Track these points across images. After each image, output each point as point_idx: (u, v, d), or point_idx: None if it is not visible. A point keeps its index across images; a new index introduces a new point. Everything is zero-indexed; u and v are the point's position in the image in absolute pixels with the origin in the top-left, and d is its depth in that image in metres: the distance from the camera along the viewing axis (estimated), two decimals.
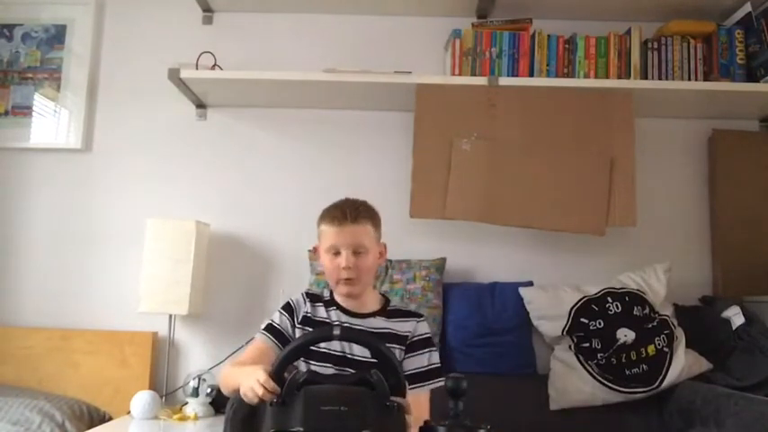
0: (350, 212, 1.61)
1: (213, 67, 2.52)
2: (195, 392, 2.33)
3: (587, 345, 2.27)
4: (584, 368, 2.25)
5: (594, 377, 2.23)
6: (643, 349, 2.22)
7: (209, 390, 2.35)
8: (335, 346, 1.60)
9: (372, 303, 1.69)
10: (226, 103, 2.72)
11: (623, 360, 2.22)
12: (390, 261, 2.42)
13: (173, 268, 2.39)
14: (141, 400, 2.27)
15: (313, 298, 1.69)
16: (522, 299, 2.41)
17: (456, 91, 2.46)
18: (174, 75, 2.43)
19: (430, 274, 2.42)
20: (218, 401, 2.35)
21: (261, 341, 1.63)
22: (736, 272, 2.53)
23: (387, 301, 1.71)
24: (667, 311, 2.35)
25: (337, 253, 1.61)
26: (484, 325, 2.38)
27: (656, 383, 2.20)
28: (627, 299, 2.31)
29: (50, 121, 2.73)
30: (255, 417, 1.36)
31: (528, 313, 2.40)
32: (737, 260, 2.54)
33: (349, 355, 1.60)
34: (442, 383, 1.52)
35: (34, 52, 2.77)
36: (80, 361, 2.50)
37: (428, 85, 2.45)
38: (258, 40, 2.75)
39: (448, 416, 1.25)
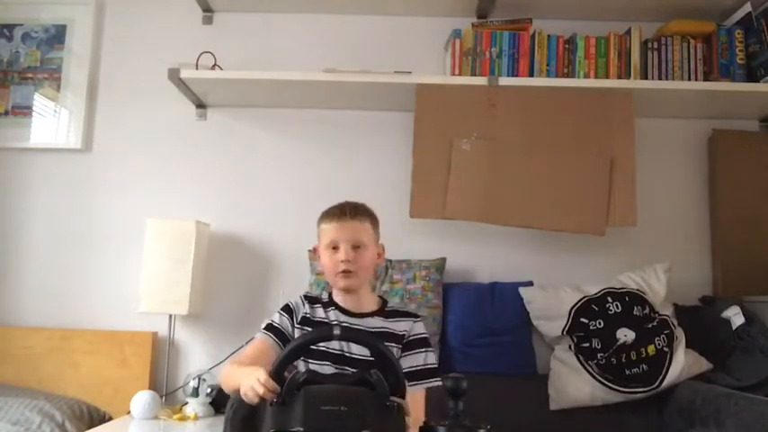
0: (349, 209, 1.66)
1: (213, 67, 2.52)
2: (195, 392, 2.33)
3: (587, 345, 2.27)
4: (584, 368, 2.25)
5: (594, 377, 2.23)
6: (643, 349, 2.22)
7: (209, 390, 2.35)
8: (334, 345, 1.61)
9: (370, 304, 1.70)
10: (226, 103, 2.72)
11: (623, 360, 2.22)
12: (390, 261, 2.42)
13: (173, 268, 2.40)
14: (141, 400, 2.27)
15: (311, 300, 1.71)
16: (521, 299, 2.41)
17: (456, 91, 2.46)
18: (173, 75, 2.43)
19: (430, 274, 2.42)
20: (218, 401, 2.35)
21: (261, 340, 1.63)
22: (736, 272, 2.53)
23: (384, 302, 1.74)
24: (667, 311, 2.35)
25: (336, 248, 1.63)
26: (484, 325, 2.38)
27: (656, 383, 2.20)
28: (627, 299, 2.31)
29: (50, 121, 2.73)
30: (255, 416, 1.36)
31: (528, 313, 2.40)
32: (737, 260, 2.54)
33: (347, 354, 1.61)
34: (437, 384, 1.54)
35: (34, 52, 2.77)
36: (80, 361, 2.50)
37: (428, 85, 2.45)
38: (258, 40, 2.75)
39: (448, 416, 1.25)
